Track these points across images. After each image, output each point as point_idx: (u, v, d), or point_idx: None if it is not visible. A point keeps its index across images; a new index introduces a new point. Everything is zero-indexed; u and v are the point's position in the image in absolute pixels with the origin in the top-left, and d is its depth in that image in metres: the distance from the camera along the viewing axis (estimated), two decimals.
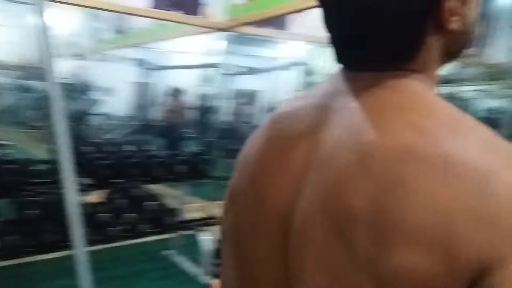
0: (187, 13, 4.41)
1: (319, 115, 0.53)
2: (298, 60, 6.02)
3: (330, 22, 0.54)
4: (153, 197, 3.38)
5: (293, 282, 0.50)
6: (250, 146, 0.62)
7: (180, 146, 6.46)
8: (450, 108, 0.47)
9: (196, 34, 4.67)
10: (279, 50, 7.00)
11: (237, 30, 3.96)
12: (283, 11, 3.34)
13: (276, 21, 4.33)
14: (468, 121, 0.46)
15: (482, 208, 0.40)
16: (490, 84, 6.28)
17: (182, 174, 3.46)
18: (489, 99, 6.63)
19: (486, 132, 0.45)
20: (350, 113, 0.49)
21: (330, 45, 0.55)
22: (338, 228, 0.45)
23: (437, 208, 0.40)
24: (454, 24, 0.48)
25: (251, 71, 6.85)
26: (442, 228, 0.40)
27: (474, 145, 0.43)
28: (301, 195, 0.50)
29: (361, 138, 0.46)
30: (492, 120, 8.61)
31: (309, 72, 5.82)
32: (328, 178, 0.48)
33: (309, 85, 5.89)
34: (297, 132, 0.54)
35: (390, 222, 0.41)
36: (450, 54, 0.52)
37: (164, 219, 3.24)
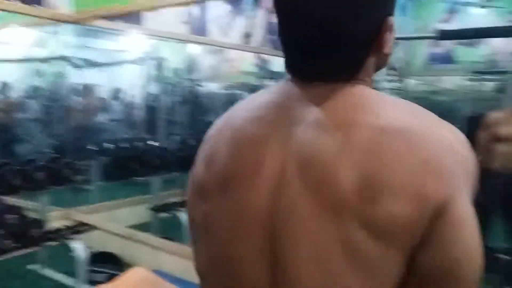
0: (25, 2, 4.04)
1: (284, 121, 0.62)
2: (149, 55, 5.99)
3: (293, 33, 0.63)
4: (11, 208, 3.09)
5: (281, 276, 0.59)
6: (215, 146, 0.68)
7: (14, 149, 5.85)
8: (394, 99, 0.64)
9: (36, 25, 4.32)
10: (127, 44, 6.84)
11: (84, 23, 3.82)
12: (132, 8, 3.37)
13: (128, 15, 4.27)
14: (408, 103, 0.63)
15: (433, 164, 0.56)
16: None
17: (41, 182, 3.24)
18: None
19: (422, 109, 0.62)
20: (323, 117, 0.60)
21: (285, 54, 0.65)
22: (329, 205, 0.56)
23: (408, 168, 0.56)
24: (387, 49, 0.65)
25: (97, 64, 6.54)
26: (413, 181, 0.55)
27: (422, 120, 0.60)
28: (282, 194, 0.59)
29: (339, 133, 0.58)
30: None
31: (159, 67, 5.85)
32: (316, 171, 0.58)
33: (159, 79, 5.91)
34: (266, 136, 0.62)
35: (376, 183, 0.55)
36: (377, 69, 0.68)
37: (26, 231, 3.00)
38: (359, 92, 0.63)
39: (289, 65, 0.66)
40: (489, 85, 6.51)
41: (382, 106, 0.62)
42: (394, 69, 4.35)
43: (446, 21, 6.96)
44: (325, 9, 0.59)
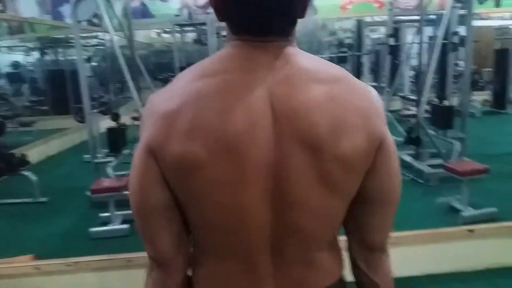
0: None
1: (256, 82, 0.72)
2: None
3: (252, 6, 0.71)
4: None
5: (283, 201, 0.74)
6: (195, 118, 0.70)
7: None
8: (312, 55, 0.79)
9: None
10: None
11: None
12: None
13: None
14: (330, 63, 0.80)
15: (373, 107, 0.76)
16: (12, 39, 6.45)
17: None
18: (12, 53, 6.79)
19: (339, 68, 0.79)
20: (287, 75, 0.73)
21: (236, 16, 0.74)
22: (311, 146, 0.71)
23: (360, 112, 0.74)
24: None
25: None
26: (363, 122, 0.74)
27: (346, 72, 0.78)
28: (277, 146, 0.71)
29: (306, 88, 0.73)
30: (16, 74, 8.71)
31: None
32: (298, 120, 0.71)
33: None
34: (248, 97, 0.71)
35: (340, 125, 0.72)
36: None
37: None
38: (296, 51, 0.78)
39: (242, 24, 0.76)
40: (188, 37, 6.98)
41: (318, 63, 0.78)
42: (92, 24, 4.49)
43: None
44: None
